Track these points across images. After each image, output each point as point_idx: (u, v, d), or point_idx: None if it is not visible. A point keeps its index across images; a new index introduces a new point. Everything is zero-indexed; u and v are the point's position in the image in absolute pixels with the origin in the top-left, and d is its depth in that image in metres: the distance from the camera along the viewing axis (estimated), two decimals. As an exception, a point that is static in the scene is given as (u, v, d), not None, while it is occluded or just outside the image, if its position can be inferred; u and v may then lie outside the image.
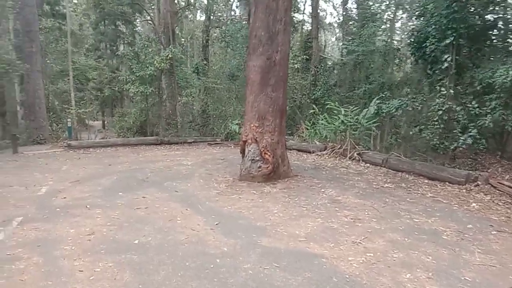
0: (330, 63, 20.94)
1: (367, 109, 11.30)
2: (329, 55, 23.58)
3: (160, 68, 15.54)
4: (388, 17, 18.35)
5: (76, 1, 33.54)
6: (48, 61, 28.64)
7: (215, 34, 27.53)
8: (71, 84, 18.33)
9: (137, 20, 32.46)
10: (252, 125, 8.03)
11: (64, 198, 6.89)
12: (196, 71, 21.30)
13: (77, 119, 17.27)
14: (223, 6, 26.10)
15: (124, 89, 16.50)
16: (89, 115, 25.97)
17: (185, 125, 19.33)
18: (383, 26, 17.03)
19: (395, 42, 17.50)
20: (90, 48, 33.60)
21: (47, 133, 19.31)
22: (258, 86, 7.85)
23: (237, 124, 15.68)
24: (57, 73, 29.38)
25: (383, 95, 11.93)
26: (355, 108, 11.88)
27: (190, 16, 33.65)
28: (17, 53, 19.52)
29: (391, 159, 9.94)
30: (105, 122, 34.97)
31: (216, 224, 5.47)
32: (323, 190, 7.49)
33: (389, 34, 18.52)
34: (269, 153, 7.98)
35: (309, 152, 12.44)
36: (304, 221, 5.65)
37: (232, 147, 15.20)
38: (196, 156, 12.29)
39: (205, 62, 22.59)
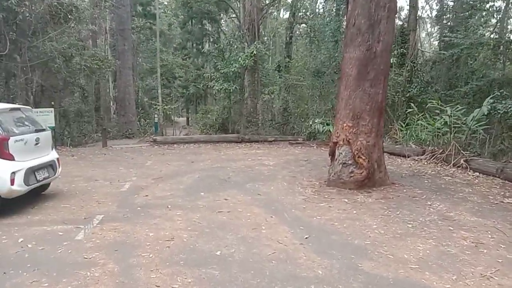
0: (424, 58, 19.06)
1: (479, 109, 9.72)
2: (424, 49, 21.55)
3: (244, 65, 15.21)
4: (499, 6, 16.09)
5: (166, 3, 35.00)
6: (139, 59, 30.28)
7: (299, 31, 26.88)
8: (158, 81, 18.87)
9: (222, 20, 32.97)
10: (345, 124, 7.16)
11: (146, 196, 6.66)
12: (278, 68, 20.77)
13: (163, 115, 17.66)
14: (309, 1, 25.20)
15: (209, 86, 16.46)
16: (175, 112, 26.81)
17: (265, 123, 18.87)
18: (493, 18, 14.94)
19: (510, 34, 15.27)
20: (178, 47, 34.81)
21: (135, 128, 20.14)
22: (354, 81, 6.95)
23: (320, 123, 14.78)
24: (147, 70, 30.87)
25: (498, 94, 10.22)
26: (461, 108, 10.35)
27: (274, 14, 33.29)
28: (111, 51, 20.70)
29: (508, 169, 8.38)
30: (189, 119, 36.15)
31: (306, 238, 4.74)
32: (428, 203, 6.38)
33: (499, 24, 16.25)
34: (363, 157, 7.04)
35: (404, 156, 11.15)
36: (412, 242, 4.68)
37: (315, 147, 14.35)
38: (277, 156, 11.68)
39: (288, 60, 21.95)
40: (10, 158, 5.30)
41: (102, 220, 5.32)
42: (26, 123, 6.06)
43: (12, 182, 5.20)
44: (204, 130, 19.65)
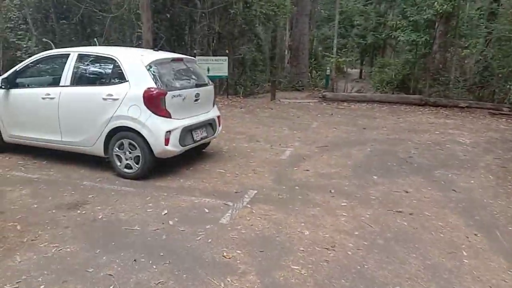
0: None
1: None
2: None
3: (440, 11, 12.35)
4: None
5: None
6: (317, 6, 28.91)
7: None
8: (335, 29, 17.24)
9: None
10: None
11: (307, 170, 5.62)
12: (481, 16, 16.64)
13: (336, 68, 16.23)
14: None
15: (392, 36, 14.17)
16: (348, 64, 24.99)
17: (457, 84, 15.58)
18: None
19: None
20: (359, -7, 31.91)
21: (306, 80, 19.32)
22: None
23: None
24: (324, 18, 29.37)
25: None
26: None
27: None
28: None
29: None
30: (362, 72, 33.71)
31: (543, 290, 2.99)
32: None
33: None
34: None
35: None
36: None
37: (529, 122, 11.01)
38: (475, 130, 9.17)
39: (495, 4, 17.32)
40: (166, 115, 4.84)
41: (254, 198, 4.51)
42: (187, 76, 5.57)
43: (166, 142, 4.77)
44: (380, 88, 17.53)
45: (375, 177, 5.44)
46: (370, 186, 5.06)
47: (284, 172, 5.50)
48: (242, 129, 8.26)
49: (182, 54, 6.57)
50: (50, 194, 4.48)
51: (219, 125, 6.03)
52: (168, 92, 4.83)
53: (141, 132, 4.73)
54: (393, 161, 6.26)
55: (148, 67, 4.86)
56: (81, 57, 5.22)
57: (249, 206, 4.28)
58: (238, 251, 3.33)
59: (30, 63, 5.59)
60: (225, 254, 3.29)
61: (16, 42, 11.26)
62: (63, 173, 5.22)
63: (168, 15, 12.58)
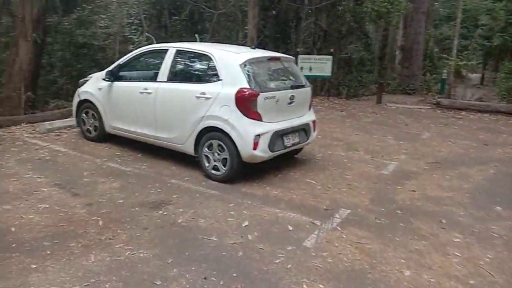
0: None
1: None
2: None
3: None
4: None
5: None
6: (436, 4, 26.41)
7: None
8: (457, 29, 15.38)
9: None
10: None
11: (413, 191, 4.84)
12: None
13: (454, 71, 14.43)
14: None
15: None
16: (469, 67, 22.34)
17: None
18: None
19: None
20: (489, -12, 28.34)
21: (418, 83, 17.70)
22: None
23: None
24: (444, 17, 26.77)
25: None
26: None
27: None
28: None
29: None
30: (485, 77, 30.00)
31: None
32: None
33: None
34: None
35: None
36: None
37: None
38: None
39: None
40: (257, 118, 4.51)
41: (346, 219, 3.95)
42: (284, 76, 5.18)
43: (255, 146, 4.45)
44: (507, 97, 15.22)
45: (499, 208, 4.46)
46: (493, 220, 4.14)
47: (384, 191, 4.81)
48: (340, 135, 7.63)
49: (286, 52, 6.22)
50: (138, 190, 4.47)
51: (314, 130, 5.54)
52: (261, 94, 4.50)
53: (230, 134, 4.48)
54: (523, 189, 5.13)
55: (242, 65, 4.58)
56: (178, 53, 5.16)
57: (339, 228, 3.75)
58: (321, 286, 2.84)
59: (132, 57, 5.73)
60: (305, 286, 2.83)
61: (129, 36, 12.06)
62: (154, 168, 5.24)
63: (275, 12, 12.36)
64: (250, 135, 4.41)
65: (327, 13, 12.51)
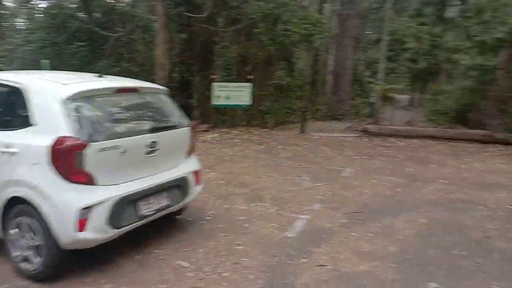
0: None
1: None
2: None
3: (516, 28, 9.89)
4: None
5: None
6: (367, 29, 26.87)
7: None
8: (382, 53, 15.02)
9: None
10: None
11: (322, 266, 3.54)
12: None
13: (381, 95, 13.94)
14: None
15: (452, 59, 11.79)
16: (397, 90, 22.54)
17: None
18: None
19: None
20: (412, 14, 29.43)
21: (347, 108, 17.22)
22: None
23: None
24: (373, 41, 27.23)
25: None
26: None
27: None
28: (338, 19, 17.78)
29: None
30: (413, 99, 30.80)
31: None
32: None
33: None
34: None
35: None
36: None
37: None
38: None
39: None
40: (85, 180, 3.01)
41: None
42: (143, 115, 3.75)
43: (81, 226, 2.93)
44: (434, 119, 15.02)
45: (434, 285, 3.28)
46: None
47: (283, 271, 3.46)
48: (249, 177, 6.30)
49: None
50: None
51: (198, 184, 4.15)
52: (91, 144, 3.01)
53: (39, 209, 2.94)
54: (460, 246, 4.03)
55: (67, 102, 3.07)
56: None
57: None
58: None
59: None
60: None
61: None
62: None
63: (184, 35, 11.09)
64: (70, 210, 2.89)
65: (245, 37, 11.44)
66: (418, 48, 26.76)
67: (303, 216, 4.69)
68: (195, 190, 4.11)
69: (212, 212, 4.76)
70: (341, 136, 10.82)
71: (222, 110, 12.01)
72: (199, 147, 8.73)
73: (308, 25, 11.00)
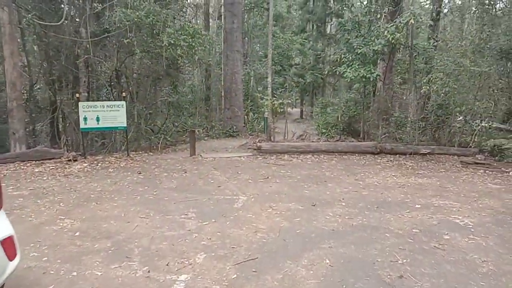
0: None
1: None
2: None
3: (392, 41, 10.15)
4: None
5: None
6: (255, 45, 26.99)
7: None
8: (269, 68, 14.71)
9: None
10: None
11: None
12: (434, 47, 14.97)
13: (272, 110, 13.52)
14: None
15: (337, 72, 11.79)
16: (288, 104, 22.83)
17: (414, 126, 13.42)
18: None
19: None
20: (296, 30, 30.56)
21: (241, 124, 16.59)
22: None
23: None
24: (261, 57, 27.43)
25: None
26: None
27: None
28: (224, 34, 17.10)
29: None
30: (303, 111, 31.84)
31: None
32: None
33: None
34: None
35: None
36: None
37: None
38: (463, 196, 6.59)
39: (432, 41, 15.74)
40: None
41: None
42: None
43: None
44: (325, 132, 15.12)
45: None
46: None
47: None
48: (116, 223, 4.94)
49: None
50: None
51: (13, 258, 2.75)
52: None
53: None
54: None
55: None
56: None
57: None
58: None
59: None
60: None
61: None
62: None
63: (43, 47, 9.22)
64: None
65: (118, 49, 9.95)
66: (304, 63, 27.80)
67: (181, 278, 3.53)
68: (6, 269, 2.71)
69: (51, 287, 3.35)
70: (235, 157, 9.93)
71: (103, 132, 10.34)
72: (59, 182, 7.04)
73: (185, 36, 9.98)
